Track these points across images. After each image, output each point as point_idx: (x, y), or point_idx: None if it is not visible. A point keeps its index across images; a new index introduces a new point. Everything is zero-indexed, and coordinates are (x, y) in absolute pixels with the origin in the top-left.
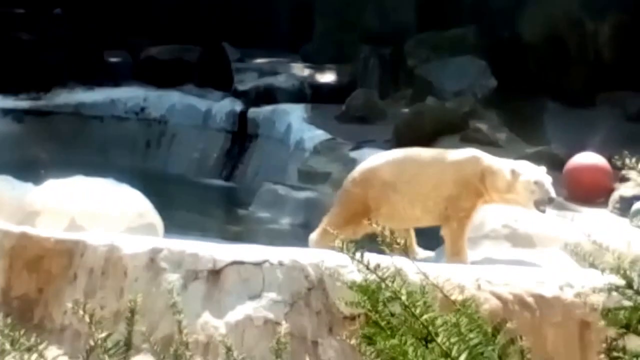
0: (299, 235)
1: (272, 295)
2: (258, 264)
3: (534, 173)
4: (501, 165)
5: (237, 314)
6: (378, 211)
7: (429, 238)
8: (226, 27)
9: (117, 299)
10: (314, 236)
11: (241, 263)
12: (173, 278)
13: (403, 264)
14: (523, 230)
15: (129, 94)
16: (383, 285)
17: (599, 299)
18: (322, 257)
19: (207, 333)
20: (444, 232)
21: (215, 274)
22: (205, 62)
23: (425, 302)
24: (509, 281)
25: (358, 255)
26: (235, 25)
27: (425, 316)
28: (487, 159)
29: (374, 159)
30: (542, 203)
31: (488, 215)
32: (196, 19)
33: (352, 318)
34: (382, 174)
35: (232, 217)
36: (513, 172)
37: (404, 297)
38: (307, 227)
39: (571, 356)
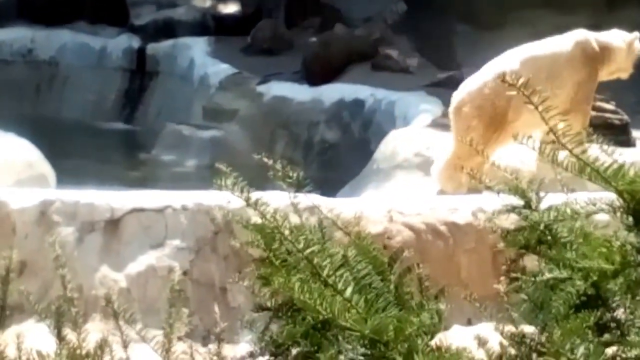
0: (205, 177)
1: (176, 242)
2: (159, 210)
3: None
4: (611, 38)
5: (138, 264)
6: (515, 122)
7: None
8: None
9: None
10: (439, 171)
11: (141, 210)
12: (67, 231)
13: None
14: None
15: (14, 35)
16: (266, 222)
17: (507, 222)
18: (228, 197)
19: (107, 287)
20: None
21: (113, 223)
22: None
23: (310, 236)
24: (421, 211)
25: (240, 191)
26: None
27: (309, 249)
28: (599, 37)
29: (499, 62)
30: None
31: (399, 144)
32: None
33: (262, 260)
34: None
35: (134, 162)
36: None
37: (287, 232)
38: (214, 167)
39: (484, 281)
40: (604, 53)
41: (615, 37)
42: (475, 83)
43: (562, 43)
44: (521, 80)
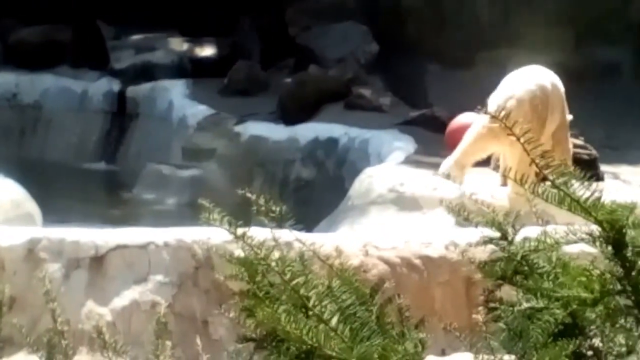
0: (185, 215)
1: (159, 277)
2: (143, 247)
3: None
4: None
5: (122, 299)
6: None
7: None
8: (99, 3)
9: None
10: (505, 193)
11: (125, 247)
12: (54, 268)
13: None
14: (409, 194)
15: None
16: (252, 253)
17: (481, 254)
18: (208, 234)
19: (93, 321)
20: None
21: (98, 260)
22: (79, 41)
23: (294, 268)
24: (396, 245)
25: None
26: (109, 1)
27: (295, 280)
28: None
29: (537, 77)
30: None
31: (373, 181)
32: None
33: (243, 293)
34: (551, 95)
35: (116, 201)
36: None
37: (273, 263)
38: (194, 205)
39: (458, 313)
40: None
41: None
42: (521, 93)
43: (552, 75)
44: (503, 113)
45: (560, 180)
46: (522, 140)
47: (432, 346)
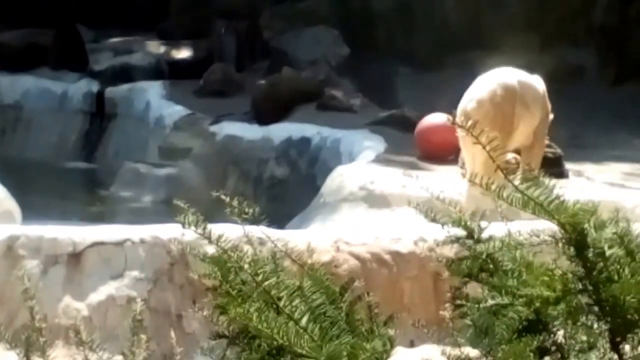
0: (161, 212)
1: (135, 273)
2: (119, 243)
3: None
4: None
5: (99, 294)
6: (516, 130)
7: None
8: (80, 8)
9: None
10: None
11: (102, 244)
12: (32, 264)
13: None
14: (379, 192)
15: None
16: (226, 256)
17: (448, 252)
18: (183, 230)
19: (70, 316)
20: (528, 156)
21: (75, 256)
22: (60, 44)
23: (266, 269)
24: (366, 241)
25: (202, 227)
26: (89, 5)
27: (267, 282)
28: None
29: (500, 77)
30: None
31: (345, 179)
32: (49, 1)
33: (215, 289)
34: (520, 91)
35: (94, 198)
36: None
37: (246, 265)
38: (170, 203)
39: (426, 307)
40: None
41: None
42: (482, 93)
43: (524, 75)
44: (470, 122)
45: (525, 185)
46: (486, 147)
47: (400, 338)
